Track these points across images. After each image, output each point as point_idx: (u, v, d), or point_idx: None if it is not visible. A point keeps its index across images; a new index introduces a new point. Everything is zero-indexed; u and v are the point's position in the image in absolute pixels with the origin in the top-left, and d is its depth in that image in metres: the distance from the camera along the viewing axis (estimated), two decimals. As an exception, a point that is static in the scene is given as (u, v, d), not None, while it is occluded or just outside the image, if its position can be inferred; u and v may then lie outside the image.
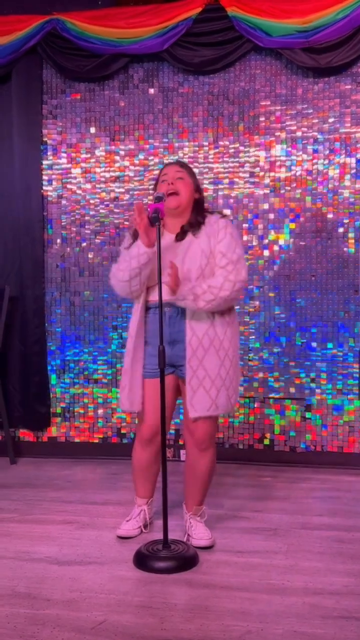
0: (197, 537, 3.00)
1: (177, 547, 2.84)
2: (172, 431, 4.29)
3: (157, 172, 4.35)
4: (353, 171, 4.20)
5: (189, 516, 3.08)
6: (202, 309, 2.87)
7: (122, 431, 4.52)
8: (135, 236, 3.01)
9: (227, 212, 4.25)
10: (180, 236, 2.97)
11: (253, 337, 4.33)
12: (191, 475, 3.06)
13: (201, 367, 2.90)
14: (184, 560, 2.78)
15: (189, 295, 2.84)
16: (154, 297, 2.94)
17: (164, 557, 2.77)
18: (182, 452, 4.21)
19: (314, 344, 4.27)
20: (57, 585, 2.66)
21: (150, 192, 4.40)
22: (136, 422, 3.38)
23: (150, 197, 4.40)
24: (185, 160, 4.23)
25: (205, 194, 3.49)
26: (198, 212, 3.03)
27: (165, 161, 4.36)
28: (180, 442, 4.31)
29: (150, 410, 3.01)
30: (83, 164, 4.54)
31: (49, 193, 4.57)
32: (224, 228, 2.96)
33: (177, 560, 2.76)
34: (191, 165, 3.34)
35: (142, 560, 2.79)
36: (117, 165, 4.50)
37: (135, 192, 4.47)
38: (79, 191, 4.55)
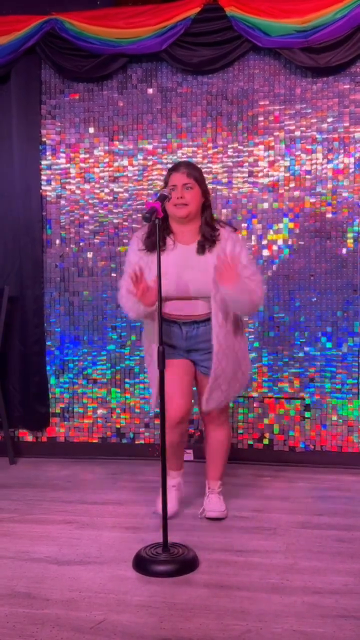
0: (209, 508, 3.29)
1: (176, 551, 2.83)
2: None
3: (156, 172, 4.38)
4: (352, 171, 4.20)
5: (208, 491, 3.37)
6: (245, 300, 3.02)
7: (122, 431, 4.52)
8: (146, 242, 3.12)
9: (226, 217, 4.28)
10: (200, 251, 3.11)
11: (253, 337, 4.33)
12: (210, 450, 3.35)
13: (223, 375, 3.12)
14: (184, 563, 2.77)
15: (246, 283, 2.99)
16: (167, 309, 3.07)
17: (164, 561, 2.76)
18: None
19: (313, 344, 4.27)
20: (56, 585, 2.66)
21: (150, 191, 4.41)
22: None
23: (150, 198, 4.42)
24: (191, 160, 4.21)
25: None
26: (209, 224, 3.14)
27: (164, 161, 4.37)
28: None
29: (177, 392, 3.11)
30: (82, 164, 4.54)
31: (48, 193, 4.57)
32: (238, 241, 3.16)
33: (177, 564, 2.75)
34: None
35: (142, 564, 2.78)
36: (116, 165, 4.50)
37: (134, 192, 4.47)
38: (77, 191, 4.55)
